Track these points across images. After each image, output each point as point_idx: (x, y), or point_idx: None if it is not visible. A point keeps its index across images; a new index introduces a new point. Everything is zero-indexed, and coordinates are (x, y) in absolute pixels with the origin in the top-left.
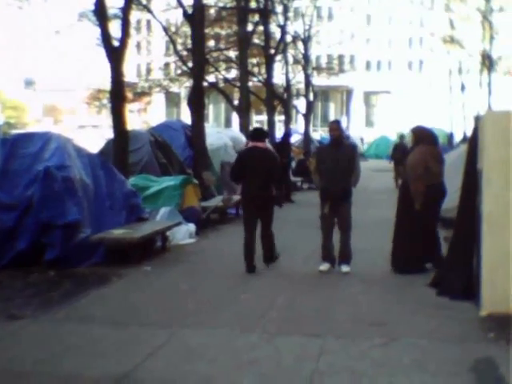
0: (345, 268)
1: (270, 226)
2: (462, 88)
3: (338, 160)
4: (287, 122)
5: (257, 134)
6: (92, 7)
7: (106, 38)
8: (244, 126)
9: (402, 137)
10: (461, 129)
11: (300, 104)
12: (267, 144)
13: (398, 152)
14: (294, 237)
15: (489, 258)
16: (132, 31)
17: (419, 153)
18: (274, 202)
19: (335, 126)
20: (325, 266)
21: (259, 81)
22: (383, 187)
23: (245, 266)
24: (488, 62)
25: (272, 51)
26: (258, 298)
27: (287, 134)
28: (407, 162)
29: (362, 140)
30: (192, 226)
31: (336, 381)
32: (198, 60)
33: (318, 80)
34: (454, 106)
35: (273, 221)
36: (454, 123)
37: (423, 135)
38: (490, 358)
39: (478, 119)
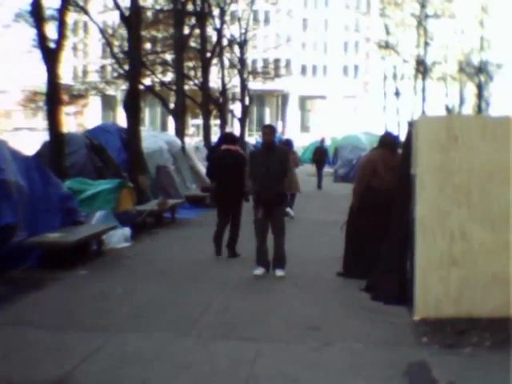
0: (279, 272)
1: (240, 218)
2: (397, 93)
3: (270, 164)
4: (223, 126)
5: (229, 139)
6: (28, 8)
7: (42, 39)
8: (180, 130)
9: (322, 140)
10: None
11: (236, 108)
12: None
13: (317, 155)
14: None
15: (422, 262)
16: (69, 33)
17: (370, 155)
18: (244, 198)
19: (269, 131)
20: (259, 271)
21: (195, 84)
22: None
23: (214, 250)
24: (422, 68)
25: (208, 55)
26: (194, 302)
27: (222, 138)
28: None
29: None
30: (127, 230)
31: None
32: (134, 63)
33: (254, 84)
34: (389, 112)
35: (241, 213)
36: (388, 128)
37: (383, 140)
38: (424, 361)
39: (411, 124)
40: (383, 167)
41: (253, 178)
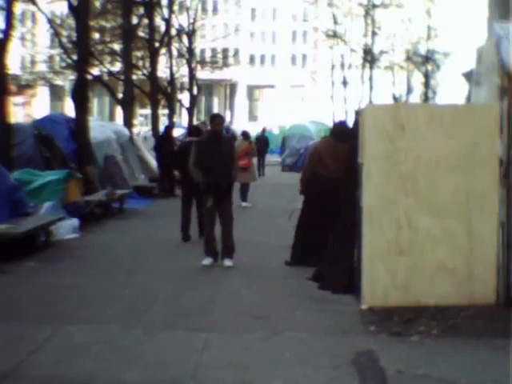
0: (227, 262)
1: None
2: (344, 82)
3: (218, 153)
4: (171, 115)
5: (193, 131)
6: None
7: None
8: (128, 120)
9: (263, 130)
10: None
11: (184, 98)
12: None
13: (259, 144)
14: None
15: (369, 251)
16: (16, 23)
17: (317, 144)
18: None
19: (219, 121)
20: (207, 261)
21: (144, 74)
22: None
23: (181, 236)
24: (370, 57)
25: (156, 44)
26: (142, 293)
27: (169, 127)
28: None
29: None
30: (75, 221)
31: (219, 374)
32: (82, 53)
33: (203, 74)
34: (337, 101)
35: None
36: (336, 117)
37: (333, 129)
38: (371, 350)
39: (358, 113)
40: (329, 156)
41: (200, 167)
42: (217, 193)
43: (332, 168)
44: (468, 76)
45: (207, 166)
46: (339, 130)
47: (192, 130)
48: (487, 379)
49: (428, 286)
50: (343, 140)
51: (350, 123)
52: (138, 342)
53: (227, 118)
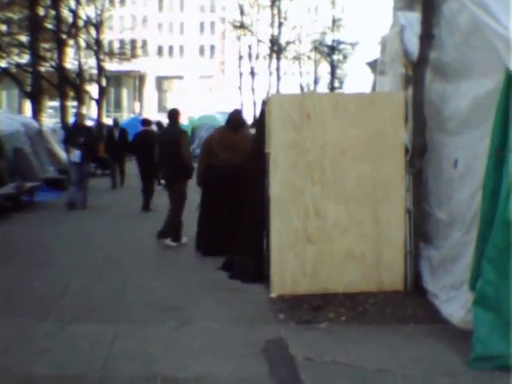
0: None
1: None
2: (252, 73)
3: (167, 143)
4: (80, 107)
5: (145, 122)
6: None
7: None
8: (37, 112)
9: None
10: (251, 113)
11: (93, 89)
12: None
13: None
14: (86, 222)
15: (277, 240)
16: None
17: (210, 134)
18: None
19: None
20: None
21: (52, 66)
22: None
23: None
24: (277, 48)
25: (64, 36)
26: (52, 285)
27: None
28: None
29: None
30: None
31: (129, 365)
32: None
33: (111, 65)
34: (245, 91)
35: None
36: (244, 108)
37: (227, 118)
38: (280, 338)
39: (264, 103)
40: (220, 146)
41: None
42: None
43: (223, 157)
44: (372, 65)
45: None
46: (232, 119)
47: (145, 121)
48: (394, 364)
49: (336, 273)
50: (234, 129)
51: (258, 113)
52: (49, 335)
53: (136, 110)
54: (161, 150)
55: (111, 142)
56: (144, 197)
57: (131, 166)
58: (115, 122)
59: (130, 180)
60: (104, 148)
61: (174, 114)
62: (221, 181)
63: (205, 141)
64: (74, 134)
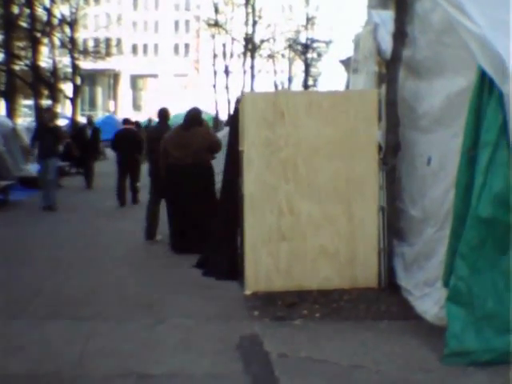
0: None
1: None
2: (226, 71)
3: None
4: (54, 106)
5: (126, 121)
6: None
7: None
8: (11, 111)
9: (149, 120)
10: (225, 111)
11: (67, 88)
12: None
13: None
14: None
15: (251, 238)
16: None
17: (167, 134)
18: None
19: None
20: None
21: (26, 65)
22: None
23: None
24: (251, 46)
25: (38, 34)
26: (27, 283)
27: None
28: None
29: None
30: None
31: (104, 362)
32: None
33: (85, 64)
34: (219, 89)
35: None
36: (219, 106)
37: (184, 117)
38: (255, 335)
39: (238, 101)
40: (172, 144)
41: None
42: None
43: (176, 156)
44: (346, 63)
45: None
46: (186, 117)
47: (127, 120)
48: (368, 360)
49: (310, 270)
50: (187, 127)
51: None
52: (23, 333)
53: (111, 108)
54: (149, 146)
55: (82, 140)
56: (120, 194)
57: (102, 165)
58: (89, 120)
59: (101, 179)
60: (75, 146)
61: (163, 113)
62: (177, 179)
63: (161, 140)
64: (40, 133)
